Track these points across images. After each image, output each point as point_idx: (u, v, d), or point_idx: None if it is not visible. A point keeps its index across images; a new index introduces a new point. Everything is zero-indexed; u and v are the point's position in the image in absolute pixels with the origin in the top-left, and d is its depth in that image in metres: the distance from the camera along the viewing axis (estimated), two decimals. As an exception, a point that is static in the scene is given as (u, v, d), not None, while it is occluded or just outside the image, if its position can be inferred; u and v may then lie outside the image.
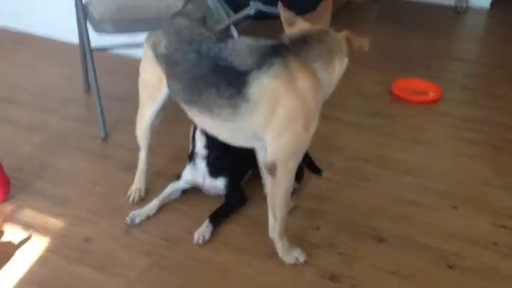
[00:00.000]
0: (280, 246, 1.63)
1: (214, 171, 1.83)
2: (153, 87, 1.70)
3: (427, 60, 3.29)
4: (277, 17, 2.59)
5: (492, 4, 4.41)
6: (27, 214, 1.81)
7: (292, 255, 1.63)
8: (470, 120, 2.54)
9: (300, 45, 1.43)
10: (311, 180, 2.02)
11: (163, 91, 1.67)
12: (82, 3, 2.27)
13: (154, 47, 1.61)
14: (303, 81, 1.41)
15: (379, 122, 2.50)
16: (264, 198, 1.88)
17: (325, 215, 1.84)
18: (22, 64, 3.04)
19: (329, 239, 1.74)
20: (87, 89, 2.67)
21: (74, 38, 2.63)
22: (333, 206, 1.89)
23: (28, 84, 2.78)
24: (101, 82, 2.33)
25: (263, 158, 1.66)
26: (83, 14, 2.26)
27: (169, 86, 1.61)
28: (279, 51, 1.41)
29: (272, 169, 1.49)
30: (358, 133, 2.39)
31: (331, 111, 2.56)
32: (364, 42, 1.49)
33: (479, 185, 2.04)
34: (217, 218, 1.78)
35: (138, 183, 1.91)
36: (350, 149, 2.25)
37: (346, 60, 1.52)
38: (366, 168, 2.12)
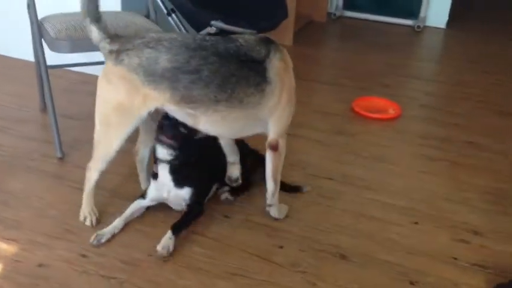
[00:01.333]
0: (276, 209, 1.88)
1: (179, 180, 1.79)
2: (131, 110, 1.62)
3: (387, 78, 3.36)
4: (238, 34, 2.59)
5: (448, 23, 4.57)
6: (-23, 239, 1.72)
7: (283, 212, 1.91)
8: (430, 137, 2.59)
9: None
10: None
11: (144, 112, 1.62)
12: (37, 19, 2.22)
13: (142, 67, 1.55)
14: (290, 63, 1.74)
15: (341, 140, 2.52)
16: (224, 217, 1.86)
17: (288, 234, 1.83)
18: (-25, 82, 2.93)
19: (292, 257, 1.72)
20: (43, 107, 2.59)
21: (29, 55, 2.56)
22: (296, 224, 1.88)
23: (-19, 103, 2.68)
24: (57, 101, 2.27)
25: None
26: (38, 31, 2.20)
27: (182, 95, 1.58)
28: (269, 41, 1.69)
29: (275, 145, 1.76)
30: (320, 151, 2.40)
31: (293, 128, 2.54)
32: None
33: (439, 200, 2.07)
34: (179, 228, 1.74)
35: (88, 204, 1.84)
36: (312, 166, 2.25)
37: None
38: (328, 186, 2.12)
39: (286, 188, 2.01)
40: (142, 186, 1.98)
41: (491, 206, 2.04)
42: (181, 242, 1.75)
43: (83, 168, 1.87)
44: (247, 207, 1.95)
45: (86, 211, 1.83)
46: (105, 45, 1.60)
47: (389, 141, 2.54)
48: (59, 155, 2.20)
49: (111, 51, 1.59)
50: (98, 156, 1.74)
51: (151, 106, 1.62)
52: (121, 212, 1.82)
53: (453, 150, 2.48)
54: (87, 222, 1.81)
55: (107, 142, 1.70)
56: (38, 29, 2.20)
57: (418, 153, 2.44)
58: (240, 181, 1.96)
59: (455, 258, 1.75)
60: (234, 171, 1.95)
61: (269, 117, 1.70)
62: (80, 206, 1.85)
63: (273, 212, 1.89)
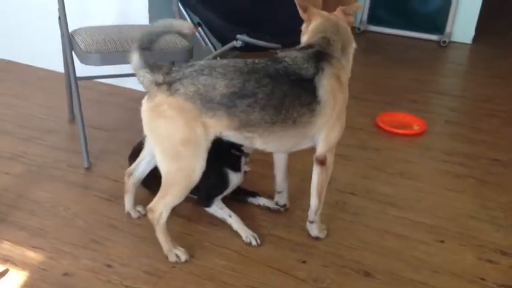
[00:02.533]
0: (317, 227, 1.86)
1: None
2: (199, 141, 1.57)
3: (412, 93, 3.33)
4: (263, 48, 2.62)
5: (474, 39, 4.53)
6: (5, 247, 1.75)
7: (323, 232, 1.88)
8: (455, 154, 2.55)
9: (328, 47, 1.69)
10: (296, 213, 2.00)
11: (208, 141, 1.59)
12: (68, 32, 2.27)
13: (200, 95, 1.52)
14: (344, 77, 1.70)
15: (365, 155, 2.50)
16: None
17: (311, 249, 1.82)
18: (5, 92, 3.01)
19: (315, 273, 1.70)
20: (72, 118, 2.64)
21: (59, 66, 2.62)
22: (320, 239, 1.86)
23: (11, 113, 2.75)
24: (85, 112, 2.31)
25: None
26: (69, 44, 2.26)
27: (241, 120, 1.56)
28: (321, 56, 1.65)
29: (323, 160, 1.74)
30: (344, 165, 2.39)
31: (317, 143, 2.56)
32: (355, 6, 1.86)
33: (465, 218, 2.04)
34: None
35: (168, 243, 1.72)
36: (336, 181, 2.24)
37: (354, 45, 1.79)
38: (352, 201, 2.11)
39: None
40: (127, 208, 1.92)
41: (519, 226, 2.00)
42: (205, 255, 1.75)
43: (108, 179, 1.91)
44: (271, 222, 1.95)
45: (171, 251, 1.72)
46: (145, 74, 1.55)
47: (414, 157, 2.52)
48: (86, 165, 2.23)
49: (157, 83, 1.54)
50: (173, 193, 1.63)
51: (211, 135, 1.58)
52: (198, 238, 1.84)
53: (479, 167, 2.44)
54: (182, 259, 1.72)
55: (185, 177, 1.61)
56: (69, 41, 2.26)
57: (444, 169, 2.41)
58: (288, 206, 2.02)
59: (483, 279, 1.71)
60: (282, 199, 2.01)
61: (319, 134, 1.69)
62: (105, 215, 1.88)
63: (314, 230, 1.86)
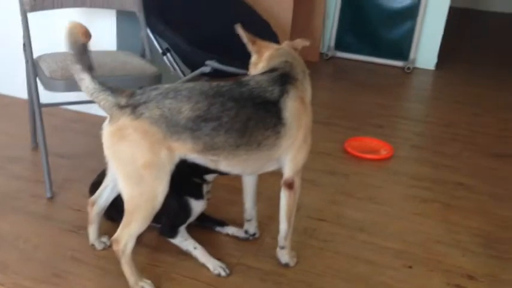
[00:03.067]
0: (288, 252, 1.85)
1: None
2: (163, 165, 1.55)
3: (378, 118, 3.39)
4: (232, 74, 2.64)
5: (437, 65, 4.67)
6: (-40, 283, 1.67)
7: (293, 259, 1.87)
8: (421, 178, 2.60)
9: (291, 70, 1.72)
10: (266, 241, 1.98)
11: (172, 164, 1.56)
12: (33, 59, 2.23)
13: (165, 119, 1.50)
14: (307, 99, 1.74)
15: (334, 180, 2.52)
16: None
17: (281, 277, 1.79)
18: (-34, 119, 2.92)
19: (285, 303, 1.68)
20: (35, 146, 2.57)
21: (23, 93, 2.56)
22: (289, 268, 1.84)
23: (-29, 140, 2.66)
24: (49, 139, 2.25)
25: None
26: (33, 70, 2.21)
27: (205, 143, 1.55)
28: (285, 79, 1.67)
29: (291, 183, 1.74)
30: (313, 191, 2.39)
31: (286, 169, 2.56)
32: (302, 42, 1.88)
33: (432, 243, 2.06)
34: None
35: (133, 274, 1.67)
36: (306, 207, 2.23)
37: (307, 71, 1.81)
38: (322, 228, 2.11)
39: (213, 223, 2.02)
40: (92, 239, 1.86)
41: (483, 250, 2.03)
42: (173, 287, 1.71)
43: (72, 209, 1.85)
44: (240, 250, 1.92)
45: (137, 284, 1.66)
46: (107, 97, 1.52)
47: (382, 182, 2.54)
48: (48, 195, 2.16)
49: (120, 106, 1.51)
50: (137, 220, 1.59)
51: (176, 157, 1.57)
52: (166, 269, 1.79)
53: (444, 191, 2.48)
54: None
55: (148, 201, 1.57)
56: (33, 67, 2.21)
57: (411, 194, 2.44)
58: (258, 235, 2.00)
59: (451, 304, 1.73)
60: (251, 228, 2.00)
61: (285, 156, 1.69)
62: (67, 247, 1.82)
63: (284, 257, 1.85)
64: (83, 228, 1.89)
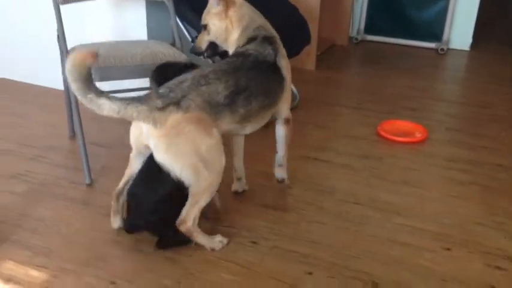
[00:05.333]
0: (284, 170, 2.15)
1: None
2: (217, 141, 1.70)
3: (412, 101, 3.33)
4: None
5: (472, 45, 4.55)
6: (8, 267, 1.73)
7: (286, 174, 2.17)
8: (458, 160, 2.55)
9: (266, 32, 1.93)
10: (303, 225, 1.99)
11: (220, 135, 1.73)
12: (67, 50, 2.28)
13: (208, 103, 1.65)
14: (285, 52, 1.95)
15: (368, 164, 2.49)
16: (252, 243, 1.84)
17: (317, 260, 1.80)
18: (5, 111, 3.01)
19: (322, 284, 1.68)
20: (72, 135, 2.63)
21: (59, 84, 2.62)
22: (325, 250, 1.84)
23: (11, 131, 2.74)
24: (86, 128, 2.31)
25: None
26: (69, 60, 2.25)
27: (241, 114, 1.76)
28: (269, 40, 1.90)
29: (288, 119, 2.04)
30: (347, 175, 2.38)
31: (319, 153, 2.56)
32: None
33: (471, 225, 2.02)
34: None
35: (208, 240, 1.82)
36: (340, 191, 2.22)
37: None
38: (356, 211, 2.09)
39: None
40: (116, 225, 1.91)
41: (525, 231, 1.98)
42: (210, 268, 1.73)
43: (110, 195, 1.89)
44: (276, 234, 1.93)
45: (214, 241, 1.82)
46: (138, 107, 1.56)
47: (417, 165, 2.51)
48: (87, 181, 2.22)
49: (160, 108, 1.58)
50: (207, 196, 1.73)
51: (221, 132, 1.72)
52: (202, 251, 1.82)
53: (482, 173, 2.43)
54: (225, 241, 1.85)
55: (216, 176, 1.72)
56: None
57: (447, 176, 2.40)
58: (247, 188, 2.17)
59: (493, 287, 1.69)
60: (241, 186, 2.18)
61: (281, 105, 1.96)
62: (108, 232, 1.87)
63: (282, 173, 2.14)
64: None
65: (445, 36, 4.50)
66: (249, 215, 2.03)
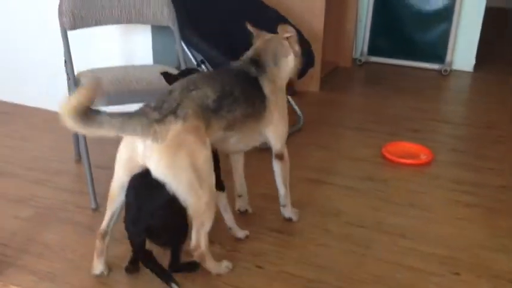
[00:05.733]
0: (290, 210, 2.13)
1: None
2: (210, 152, 1.65)
3: (415, 123, 3.34)
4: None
5: (475, 67, 4.57)
6: (13, 292, 1.73)
7: (296, 215, 2.14)
8: (463, 182, 2.54)
9: (259, 57, 1.95)
10: (309, 248, 1.98)
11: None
12: (74, 75, 2.30)
13: (200, 107, 1.63)
14: (278, 82, 1.96)
15: (373, 186, 2.49)
16: (257, 267, 1.83)
17: (323, 284, 1.78)
18: (13, 135, 3.03)
19: (328, 310, 1.67)
20: (78, 159, 2.65)
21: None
22: (331, 274, 1.83)
23: (18, 155, 2.76)
24: (91, 152, 2.32)
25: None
26: (75, 87, 2.28)
27: (227, 120, 1.74)
28: (256, 62, 1.92)
29: (281, 155, 2.00)
30: (352, 198, 2.37)
31: (323, 175, 2.55)
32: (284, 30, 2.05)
33: (478, 248, 2.00)
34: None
35: (216, 265, 1.82)
36: (345, 214, 2.22)
37: (290, 57, 2.03)
38: (362, 234, 2.08)
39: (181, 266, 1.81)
40: (98, 271, 1.80)
41: (533, 254, 1.97)
42: (215, 294, 1.73)
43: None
44: (282, 258, 1.92)
45: (221, 268, 1.82)
46: (140, 120, 1.53)
47: (422, 187, 2.50)
48: (93, 206, 2.23)
49: (159, 120, 1.53)
50: (209, 216, 1.68)
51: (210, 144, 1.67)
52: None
53: (488, 195, 2.42)
54: (230, 268, 1.84)
55: (212, 194, 1.67)
56: (75, 84, 2.29)
57: (453, 199, 2.39)
58: (250, 211, 2.17)
59: (501, 311, 1.68)
60: (243, 204, 2.19)
61: (267, 129, 1.92)
62: (113, 257, 1.86)
63: (287, 213, 2.13)
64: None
65: (448, 58, 4.52)
66: (252, 238, 2.03)
